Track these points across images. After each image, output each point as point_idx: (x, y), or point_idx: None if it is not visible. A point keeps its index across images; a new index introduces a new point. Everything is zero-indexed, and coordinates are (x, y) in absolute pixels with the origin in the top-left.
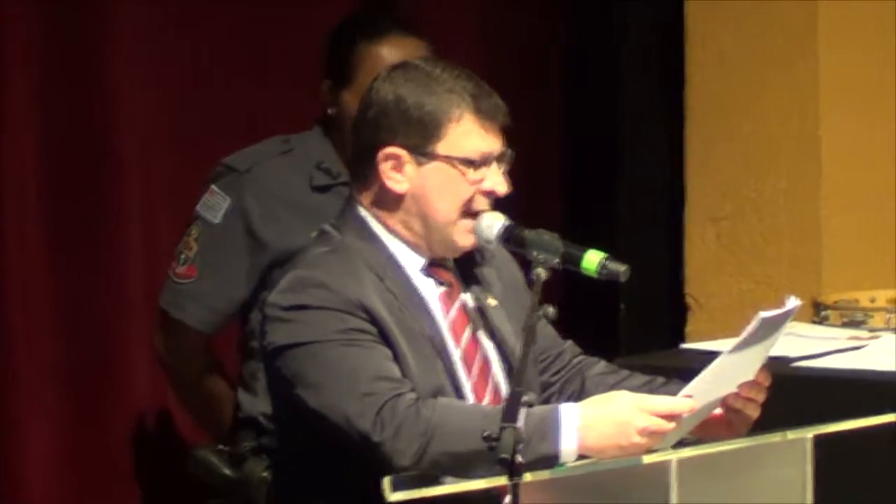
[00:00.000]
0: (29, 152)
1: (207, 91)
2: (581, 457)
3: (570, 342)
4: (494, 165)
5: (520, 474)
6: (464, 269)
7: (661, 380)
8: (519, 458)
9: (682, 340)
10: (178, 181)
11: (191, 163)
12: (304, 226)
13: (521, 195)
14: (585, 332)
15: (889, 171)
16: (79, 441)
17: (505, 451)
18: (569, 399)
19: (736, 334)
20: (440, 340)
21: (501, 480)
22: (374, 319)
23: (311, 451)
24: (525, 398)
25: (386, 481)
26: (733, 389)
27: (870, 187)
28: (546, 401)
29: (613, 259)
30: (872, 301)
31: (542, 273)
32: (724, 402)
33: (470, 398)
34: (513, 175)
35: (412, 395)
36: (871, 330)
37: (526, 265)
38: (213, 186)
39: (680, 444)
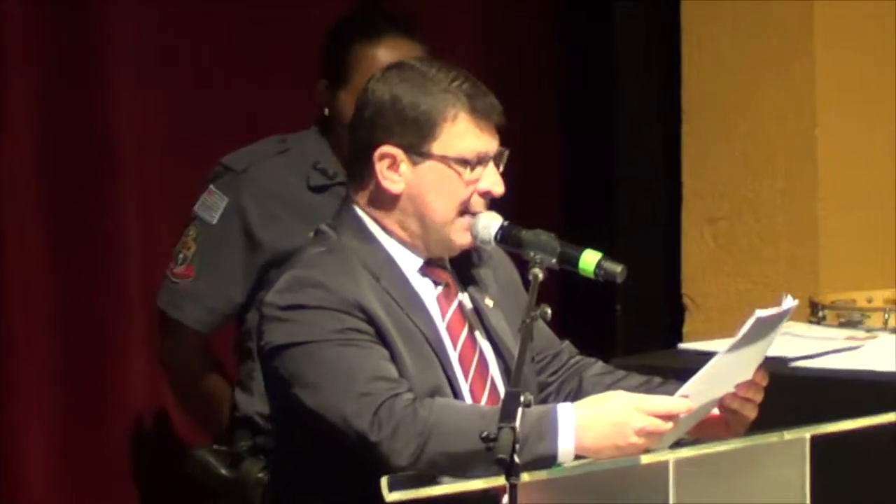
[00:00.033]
0: (29, 152)
1: (207, 91)
2: (578, 457)
3: (567, 342)
4: (491, 165)
5: (517, 474)
6: (461, 269)
7: (658, 380)
8: (516, 459)
9: (680, 340)
10: (178, 181)
11: (190, 163)
12: (301, 226)
13: (519, 195)
14: (582, 333)
15: (886, 171)
16: (77, 440)
17: (502, 451)
18: (566, 399)
19: (733, 334)
20: (437, 340)
21: (499, 480)
22: (371, 319)
23: (309, 451)
24: (522, 398)
25: (383, 481)
26: (730, 389)
27: (867, 187)
28: (543, 401)
29: (610, 259)
30: (869, 301)
31: (538, 273)
32: (721, 402)
33: (467, 398)
34: (510, 175)
35: (409, 395)
36: (869, 330)
37: (523, 265)
38: (212, 186)
39: (677, 444)
